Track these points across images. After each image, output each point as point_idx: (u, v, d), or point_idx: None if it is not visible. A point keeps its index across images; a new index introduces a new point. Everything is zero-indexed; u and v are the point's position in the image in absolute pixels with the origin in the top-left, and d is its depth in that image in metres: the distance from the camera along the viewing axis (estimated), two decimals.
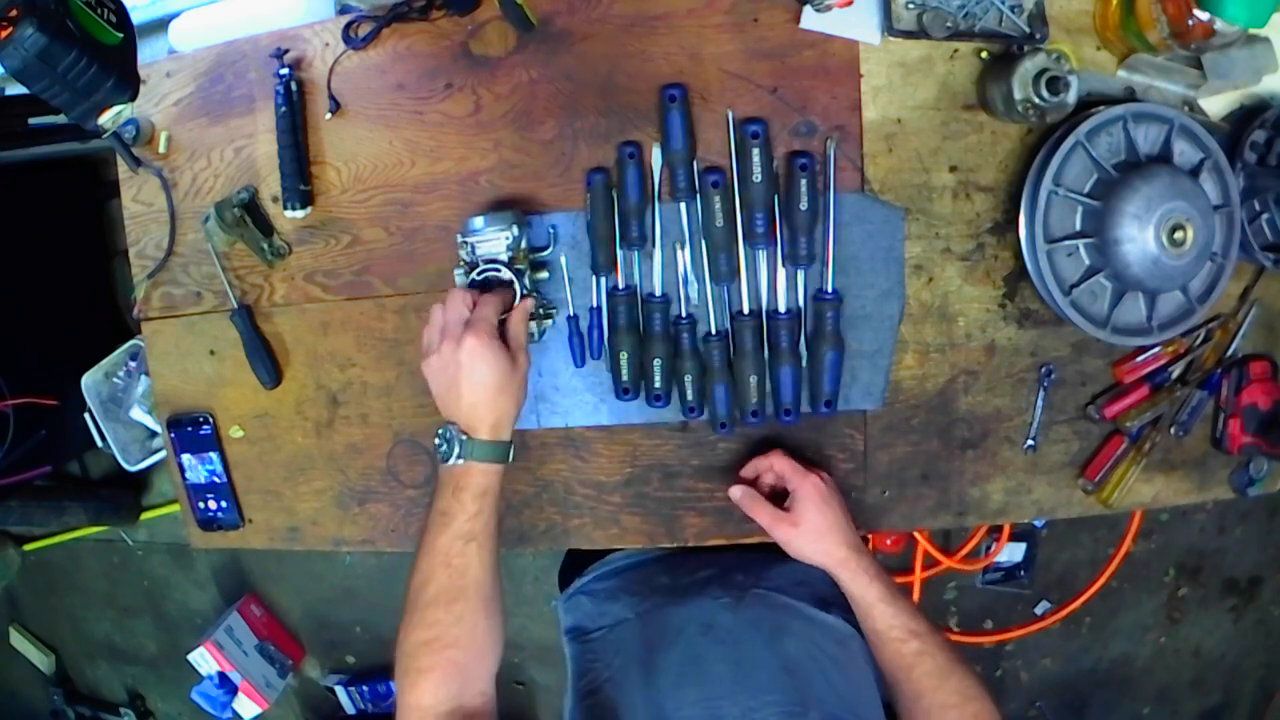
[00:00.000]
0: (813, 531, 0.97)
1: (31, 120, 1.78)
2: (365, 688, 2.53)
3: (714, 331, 1.03)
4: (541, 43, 1.03)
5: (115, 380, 1.98)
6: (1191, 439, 1.07)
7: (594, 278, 1.05)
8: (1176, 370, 1.05)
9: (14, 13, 0.68)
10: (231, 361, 1.17)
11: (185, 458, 1.21)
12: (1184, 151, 0.94)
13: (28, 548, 2.58)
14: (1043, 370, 1.05)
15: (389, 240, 1.10)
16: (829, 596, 1.00)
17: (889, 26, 0.95)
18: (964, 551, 2.17)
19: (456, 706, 0.83)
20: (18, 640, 2.78)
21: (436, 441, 0.87)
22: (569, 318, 1.07)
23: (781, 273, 1.01)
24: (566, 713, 0.96)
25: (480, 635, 0.85)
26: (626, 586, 1.10)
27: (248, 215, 1.10)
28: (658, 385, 1.05)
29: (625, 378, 1.05)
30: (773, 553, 1.03)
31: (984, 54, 0.98)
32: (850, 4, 0.94)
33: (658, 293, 1.04)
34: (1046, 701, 2.30)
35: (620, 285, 1.04)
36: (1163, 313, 0.97)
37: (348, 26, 1.06)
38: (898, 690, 0.92)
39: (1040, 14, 0.95)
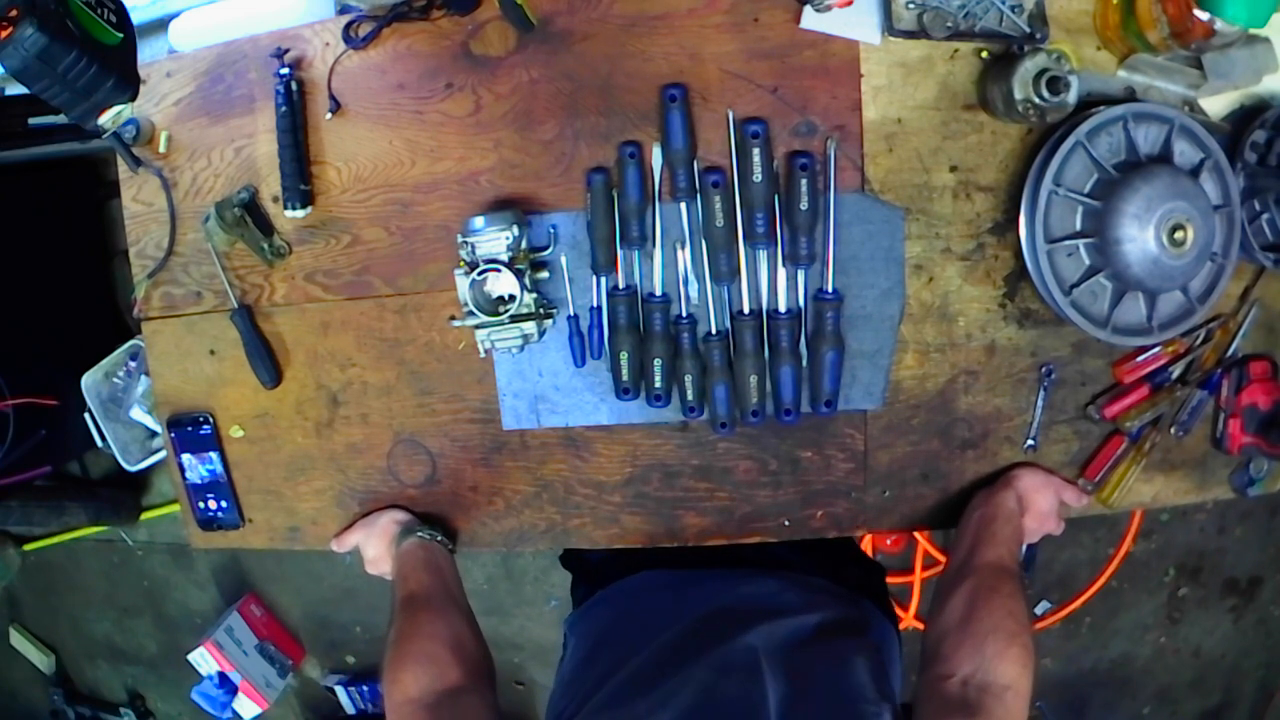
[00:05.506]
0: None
1: (31, 120, 1.78)
2: (365, 688, 2.53)
3: (714, 331, 1.03)
4: (542, 43, 1.03)
5: (115, 380, 1.97)
6: (1191, 439, 1.07)
7: (594, 277, 1.05)
8: (1176, 370, 1.05)
9: (14, 13, 0.69)
10: (231, 361, 1.17)
11: (185, 458, 1.21)
12: (1184, 151, 0.94)
13: (28, 548, 2.57)
14: (1043, 370, 1.05)
15: (389, 240, 1.10)
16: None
17: (889, 26, 0.95)
18: None
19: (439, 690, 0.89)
20: (18, 640, 2.78)
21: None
22: (569, 318, 1.07)
23: (782, 272, 1.01)
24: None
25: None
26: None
27: (248, 215, 1.10)
28: (658, 385, 1.05)
29: (625, 377, 1.05)
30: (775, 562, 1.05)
31: (984, 54, 0.98)
32: (850, 4, 0.94)
33: (658, 292, 1.04)
34: (1046, 701, 2.29)
35: (620, 285, 1.04)
36: (1163, 313, 0.97)
37: (348, 26, 1.06)
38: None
39: (1040, 14, 0.95)
